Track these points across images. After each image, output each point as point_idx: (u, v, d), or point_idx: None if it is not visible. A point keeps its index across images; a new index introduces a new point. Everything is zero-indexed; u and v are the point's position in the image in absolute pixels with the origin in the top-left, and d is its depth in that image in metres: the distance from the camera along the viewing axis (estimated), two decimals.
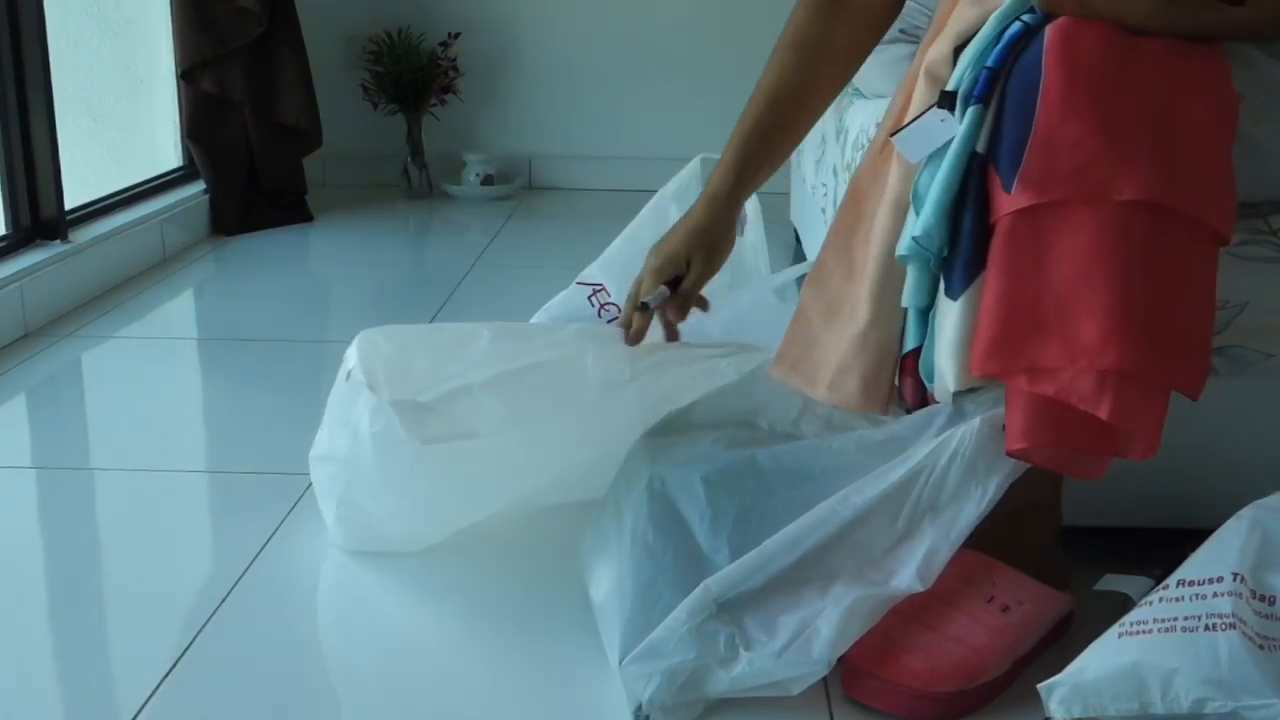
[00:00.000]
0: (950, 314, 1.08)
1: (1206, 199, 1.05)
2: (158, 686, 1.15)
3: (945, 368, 1.09)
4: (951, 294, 1.08)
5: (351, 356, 1.37)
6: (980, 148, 1.07)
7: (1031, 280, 1.03)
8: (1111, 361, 0.99)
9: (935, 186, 1.08)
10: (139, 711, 1.11)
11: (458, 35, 3.54)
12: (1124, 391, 0.99)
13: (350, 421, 1.32)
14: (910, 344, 1.15)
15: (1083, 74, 1.05)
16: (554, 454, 1.38)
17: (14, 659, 1.20)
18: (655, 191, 1.95)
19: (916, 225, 1.09)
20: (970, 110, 1.07)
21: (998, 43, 1.08)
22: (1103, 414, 0.99)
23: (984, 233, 1.07)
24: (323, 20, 3.52)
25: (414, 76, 3.44)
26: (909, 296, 1.13)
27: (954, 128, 1.08)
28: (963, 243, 1.07)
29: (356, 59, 3.57)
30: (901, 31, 1.68)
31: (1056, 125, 1.04)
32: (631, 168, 3.63)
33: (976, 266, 1.07)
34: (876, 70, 1.71)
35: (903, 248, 1.11)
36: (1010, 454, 1.07)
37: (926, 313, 1.14)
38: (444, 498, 1.37)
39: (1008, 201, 1.04)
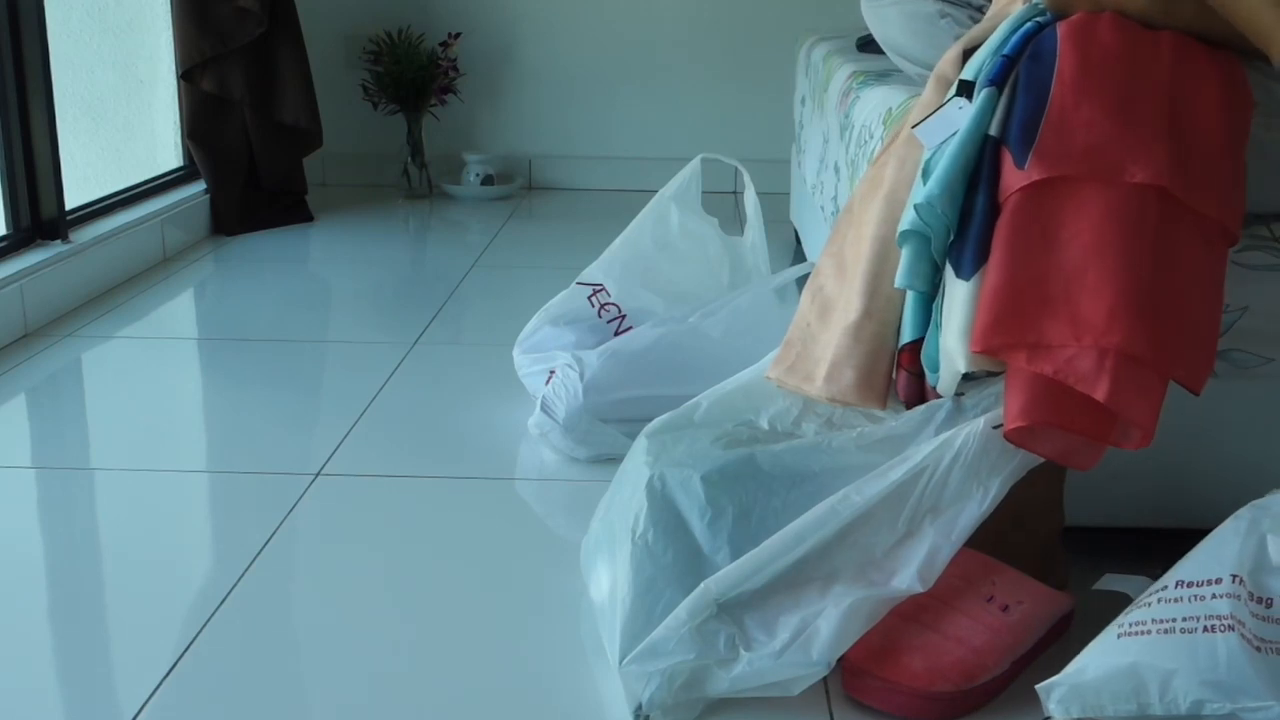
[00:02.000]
0: (960, 294, 1.07)
1: (1216, 195, 1.05)
2: (158, 686, 1.15)
3: (954, 348, 1.07)
4: (963, 274, 1.07)
5: None
6: (994, 131, 1.07)
7: (1039, 257, 1.03)
8: (1116, 340, 0.98)
9: (944, 159, 1.08)
10: (139, 711, 1.11)
11: (458, 35, 3.54)
12: (1122, 374, 0.99)
13: None
14: (907, 336, 1.15)
15: (1096, 59, 1.05)
16: None
17: (14, 659, 1.20)
18: (655, 191, 1.96)
19: (920, 194, 1.08)
20: (984, 92, 1.07)
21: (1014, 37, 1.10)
22: (1099, 395, 0.98)
23: (997, 213, 1.06)
24: (323, 20, 3.53)
25: (414, 76, 3.44)
26: (901, 278, 1.11)
27: (971, 113, 1.09)
28: (975, 222, 1.07)
29: (356, 59, 3.57)
30: None
31: (1071, 107, 1.04)
32: (631, 168, 3.63)
33: (989, 247, 1.06)
34: (898, 23, 1.67)
35: (904, 223, 1.10)
36: (1007, 435, 1.06)
37: (925, 304, 1.13)
38: None
39: (1019, 177, 1.04)
